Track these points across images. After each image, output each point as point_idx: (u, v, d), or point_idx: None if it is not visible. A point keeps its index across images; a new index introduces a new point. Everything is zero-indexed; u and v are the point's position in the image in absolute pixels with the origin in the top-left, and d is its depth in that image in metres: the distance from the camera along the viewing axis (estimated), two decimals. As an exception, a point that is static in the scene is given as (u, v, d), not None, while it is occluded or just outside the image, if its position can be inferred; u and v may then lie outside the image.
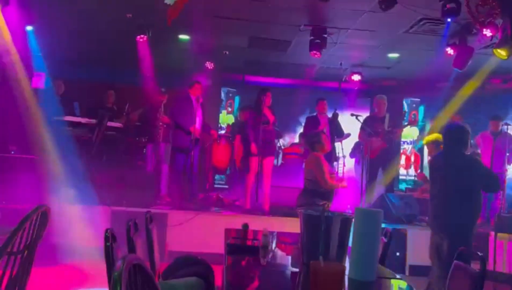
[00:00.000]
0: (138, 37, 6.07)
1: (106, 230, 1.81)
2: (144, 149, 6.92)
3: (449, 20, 4.75)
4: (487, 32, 4.86)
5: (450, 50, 5.99)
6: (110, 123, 6.62)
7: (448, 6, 4.61)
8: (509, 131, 6.51)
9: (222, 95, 9.94)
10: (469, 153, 4.01)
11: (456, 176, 3.72)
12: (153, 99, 6.84)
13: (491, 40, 4.96)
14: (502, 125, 6.65)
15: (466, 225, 3.69)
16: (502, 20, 4.58)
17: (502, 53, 4.77)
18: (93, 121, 6.53)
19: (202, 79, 6.98)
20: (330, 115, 7.17)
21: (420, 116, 9.36)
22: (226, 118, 9.90)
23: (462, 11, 4.64)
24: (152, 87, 7.05)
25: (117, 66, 8.19)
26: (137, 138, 6.84)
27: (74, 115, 6.73)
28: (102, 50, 7.79)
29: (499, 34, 4.72)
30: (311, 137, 5.02)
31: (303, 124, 7.72)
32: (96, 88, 7.51)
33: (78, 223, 5.29)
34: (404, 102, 9.36)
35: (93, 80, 8.11)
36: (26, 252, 2.11)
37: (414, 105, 9.40)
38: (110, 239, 1.79)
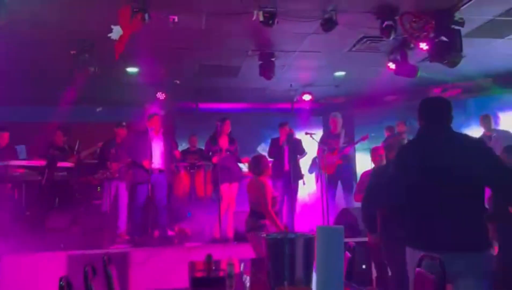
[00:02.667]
0: (84, 73, 5.86)
1: (60, 279, 1.71)
2: (99, 188, 6.67)
3: (387, 37, 4.97)
4: (423, 46, 5.15)
5: (392, 65, 6.29)
6: (60, 164, 6.35)
7: (385, 24, 4.86)
8: None
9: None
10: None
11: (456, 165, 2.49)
12: (110, 134, 6.67)
13: (428, 53, 5.24)
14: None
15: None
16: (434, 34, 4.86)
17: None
18: (43, 163, 6.24)
19: (155, 110, 6.89)
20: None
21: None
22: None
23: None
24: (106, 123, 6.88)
25: (66, 104, 7.95)
26: (92, 176, 6.55)
27: (17, 159, 6.40)
28: (49, 89, 7.54)
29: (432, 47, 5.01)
30: (258, 161, 4.85)
31: (260, 146, 7.79)
32: (45, 128, 7.21)
33: (31, 273, 4.98)
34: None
35: (41, 120, 7.81)
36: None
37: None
38: (65, 288, 1.70)
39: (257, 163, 4.74)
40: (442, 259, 2.06)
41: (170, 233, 6.46)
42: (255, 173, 4.74)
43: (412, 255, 2.55)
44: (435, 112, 2.69)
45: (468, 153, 2.52)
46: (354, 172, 8.13)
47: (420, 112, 2.74)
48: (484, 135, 6.86)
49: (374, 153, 4.75)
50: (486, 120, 6.92)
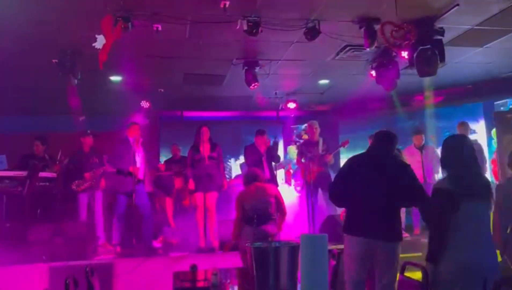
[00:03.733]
0: (68, 83, 5.76)
1: (41, 292, 1.68)
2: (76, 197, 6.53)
3: (369, 46, 5.04)
4: (405, 54, 5.24)
5: (374, 73, 6.37)
6: (42, 174, 6.23)
7: (368, 33, 4.93)
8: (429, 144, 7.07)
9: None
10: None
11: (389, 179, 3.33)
12: (81, 143, 6.56)
13: (409, 61, 5.33)
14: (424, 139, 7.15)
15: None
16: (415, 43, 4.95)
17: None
18: (24, 173, 6.11)
19: (139, 119, 6.84)
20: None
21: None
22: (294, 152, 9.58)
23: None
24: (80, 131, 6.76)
25: (47, 114, 7.86)
26: (71, 186, 6.41)
27: None
28: (29, 99, 7.44)
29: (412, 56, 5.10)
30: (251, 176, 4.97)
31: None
32: (25, 139, 7.08)
33: (13, 286, 4.86)
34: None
35: (21, 130, 7.68)
36: None
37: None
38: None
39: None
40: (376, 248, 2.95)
41: (154, 243, 6.39)
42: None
43: (350, 242, 3.32)
44: (386, 138, 3.54)
45: (397, 171, 3.37)
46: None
47: (376, 135, 3.61)
48: None
49: None
50: (463, 127, 6.96)
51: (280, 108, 8.62)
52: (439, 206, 2.74)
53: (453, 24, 5.15)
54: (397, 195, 3.26)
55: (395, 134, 3.58)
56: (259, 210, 4.61)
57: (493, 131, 7.27)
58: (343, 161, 8.74)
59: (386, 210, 3.29)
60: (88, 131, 6.63)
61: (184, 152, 7.61)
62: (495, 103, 8.13)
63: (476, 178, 2.81)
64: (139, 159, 6.15)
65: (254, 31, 4.71)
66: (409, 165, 3.45)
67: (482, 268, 2.56)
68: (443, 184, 2.81)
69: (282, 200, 4.88)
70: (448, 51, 5.38)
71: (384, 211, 3.28)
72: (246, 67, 6.22)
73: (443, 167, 2.88)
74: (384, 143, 3.52)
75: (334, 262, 2.89)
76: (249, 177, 4.90)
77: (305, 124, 8.41)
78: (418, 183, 3.33)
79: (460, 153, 2.80)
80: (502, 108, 8.02)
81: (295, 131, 9.78)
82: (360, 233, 3.27)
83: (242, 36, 4.91)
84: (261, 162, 6.57)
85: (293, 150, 9.33)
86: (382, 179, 3.30)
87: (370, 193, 3.30)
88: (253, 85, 6.27)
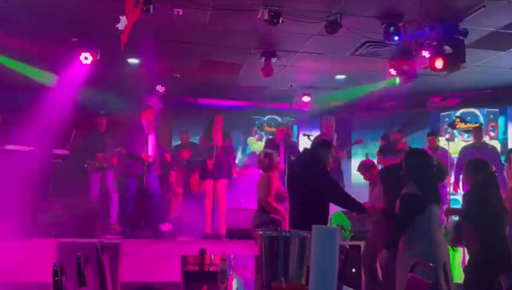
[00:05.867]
0: (84, 57, 5.74)
1: (54, 264, 1.70)
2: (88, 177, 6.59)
3: (391, 42, 4.99)
4: (426, 54, 5.17)
5: (393, 71, 6.30)
6: (55, 151, 6.31)
7: (389, 30, 4.87)
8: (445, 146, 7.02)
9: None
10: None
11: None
12: (94, 123, 6.59)
13: (429, 61, 5.25)
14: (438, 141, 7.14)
15: None
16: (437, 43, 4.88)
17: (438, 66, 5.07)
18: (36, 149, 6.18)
19: (154, 103, 6.86)
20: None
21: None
22: (255, 144, 9.85)
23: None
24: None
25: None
26: (83, 165, 6.48)
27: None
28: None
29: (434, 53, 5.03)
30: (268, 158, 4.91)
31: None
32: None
33: (23, 259, 4.96)
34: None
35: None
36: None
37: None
38: (58, 273, 1.69)
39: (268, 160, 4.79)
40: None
41: (162, 227, 6.45)
42: (263, 169, 4.77)
43: None
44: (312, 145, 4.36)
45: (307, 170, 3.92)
46: (348, 176, 8.12)
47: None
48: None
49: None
50: (478, 131, 6.90)
51: (294, 101, 8.58)
52: (406, 207, 3.32)
53: (477, 26, 5.06)
54: None
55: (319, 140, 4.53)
56: None
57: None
58: (355, 158, 8.73)
59: None
60: (102, 112, 6.67)
61: (194, 139, 7.65)
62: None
63: (434, 187, 3.46)
64: (150, 143, 6.18)
65: (275, 21, 4.67)
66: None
67: (435, 258, 3.10)
68: (410, 190, 3.36)
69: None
70: (469, 53, 5.29)
71: None
72: (263, 57, 6.19)
73: (408, 178, 3.43)
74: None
75: (342, 257, 2.89)
76: None
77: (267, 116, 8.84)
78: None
79: (427, 165, 3.44)
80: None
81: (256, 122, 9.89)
82: None
83: (262, 25, 4.89)
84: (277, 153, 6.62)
85: (253, 141, 9.46)
86: None
87: None
88: (268, 75, 6.25)
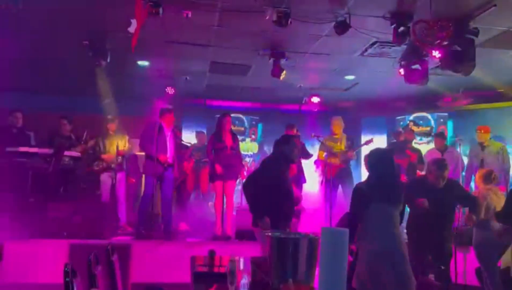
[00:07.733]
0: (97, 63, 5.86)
1: (66, 265, 1.72)
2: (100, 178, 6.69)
3: (400, 43, 4.95)
4: (436, 54, 5.12)
5: (402, 71, 6.25)
6: (67, 153, 6.37)
7: (399, 30, 4.84)
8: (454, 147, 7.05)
9: (246, 123, 10.02)
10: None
11: None
12: (107, 128, 6.80)
13: (440, 61, 5.20)
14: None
15: None
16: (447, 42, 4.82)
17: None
18: (50, 151, 6.26)
19: (163, 104, 6.89)
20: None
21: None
22: (250, 146, 9.93)
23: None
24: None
25: (75, 94, 8.01)
26: (95, 167, 6.61)
27: (29, 146, 6.43)
28: (59, 79, 7.59)
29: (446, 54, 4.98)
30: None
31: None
32: (53, 117, 7.25)
33: (34, 259, 5.01)
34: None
35: (50, 109, 7.86)
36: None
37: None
38: (70, 274, 1.71)
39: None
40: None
41: (173, 228, 6.46)
42: None
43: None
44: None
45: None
46: (358, 176, 8.08)
47: None
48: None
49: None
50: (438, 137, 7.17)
51: (303, 102, 8.56)
52: (353, 202, 3.46)
53: (488, 25, 5.00)
54: None
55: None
56: None
57: None
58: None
59: None
60: (110, 117, 6.87)
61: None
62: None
63: (391, 186, 3.46)
64: (168, 145, 6.22)
65: (283, 22, 4.67)
66: None
67: (388, 255, 3.19)
68: (361, 185, 3.54)
69: None
70: (479, 53, 5.23)
71: None
72: (272, 58, 6.19)
73: (369, 174, 3.53)
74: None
75: (351, 259, 2.88)
76: None
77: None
78: None
79: (380, 165, 3.49)
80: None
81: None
82: None
83: (270, 26, 4.89)
84: None
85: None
86: None
87: None
88: (277, 76, 6.25)
